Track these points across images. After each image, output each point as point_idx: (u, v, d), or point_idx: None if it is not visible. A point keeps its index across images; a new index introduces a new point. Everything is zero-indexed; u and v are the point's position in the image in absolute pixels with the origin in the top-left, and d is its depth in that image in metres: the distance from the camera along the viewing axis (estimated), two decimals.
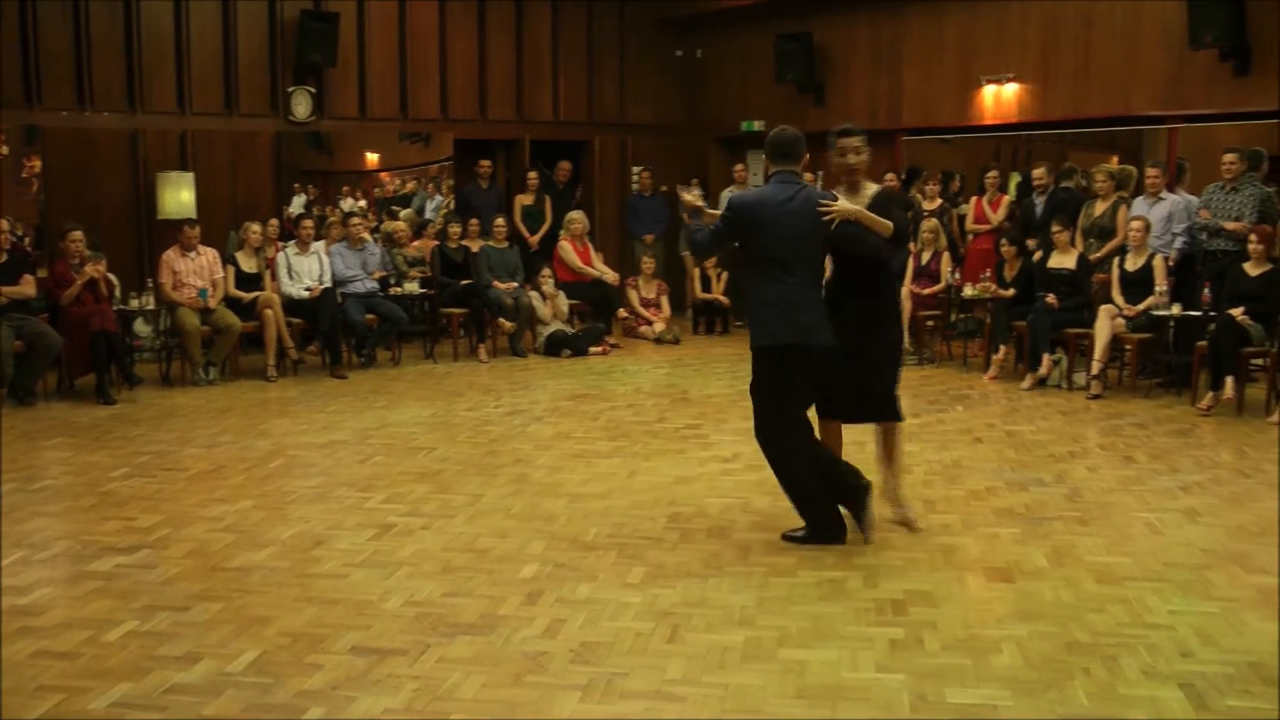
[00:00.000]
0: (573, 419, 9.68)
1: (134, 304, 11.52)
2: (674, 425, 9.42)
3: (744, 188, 15.41)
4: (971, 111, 14.20)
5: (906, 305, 12.27)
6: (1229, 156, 11.04)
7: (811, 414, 6.55)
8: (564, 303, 13.61)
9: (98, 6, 13.12)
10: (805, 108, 15.69)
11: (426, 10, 15.22)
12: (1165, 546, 6.41)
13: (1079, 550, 6.29)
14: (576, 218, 14.41)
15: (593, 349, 13.21)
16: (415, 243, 14.07)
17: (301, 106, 14.29)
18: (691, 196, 6.69)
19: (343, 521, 6.77)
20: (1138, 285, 10.94)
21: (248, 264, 11.92)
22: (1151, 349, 11.15)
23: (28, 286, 10.56)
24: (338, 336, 11.97)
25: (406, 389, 11.07)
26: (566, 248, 14.15)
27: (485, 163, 15.31)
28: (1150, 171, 11.72)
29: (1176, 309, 10.69)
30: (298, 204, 14.56)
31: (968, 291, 12.17)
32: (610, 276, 14.31)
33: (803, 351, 6.26)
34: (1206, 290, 10.55)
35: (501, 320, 13.12)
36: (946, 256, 12.71)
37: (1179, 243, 11.43)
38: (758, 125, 16.33)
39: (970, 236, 13.40)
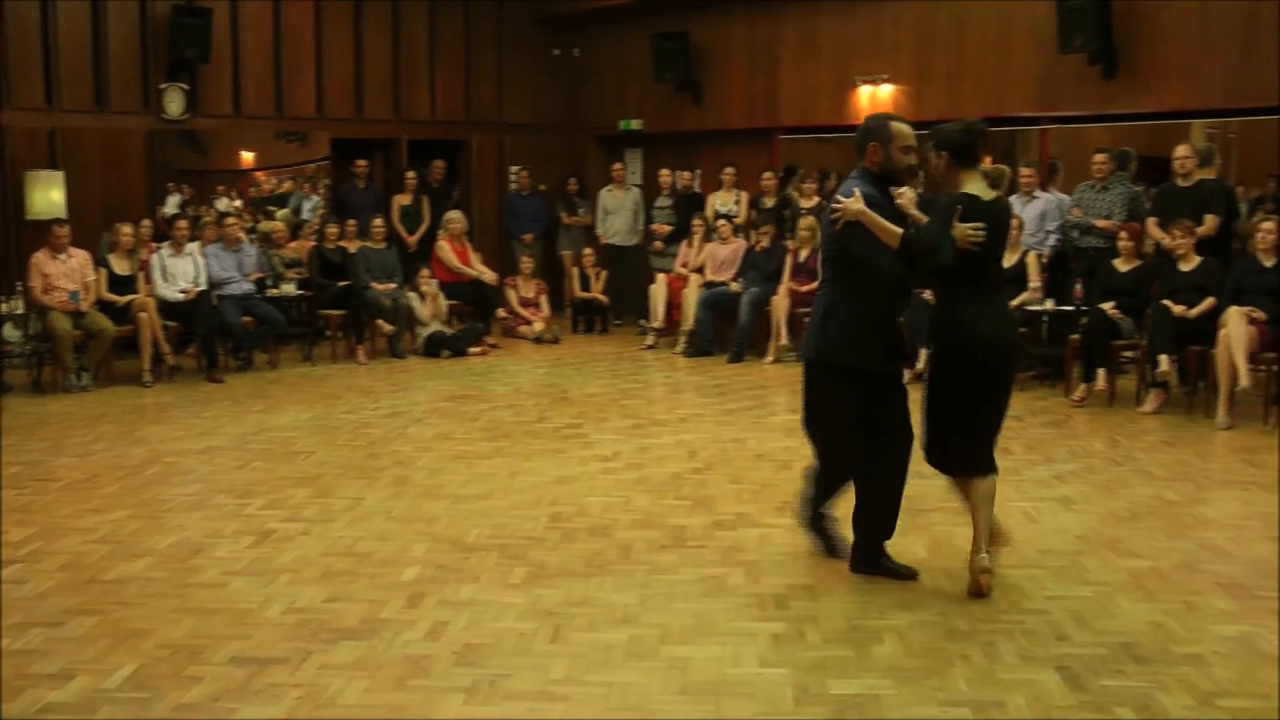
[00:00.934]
0: (453, 420, 9.62)
1: (3, 308, 11.24)
2: (554, 425, 9.40)
3: (623, 187, 15.46)
4: (848, 111, 14.32)
5: (784, 303, 12.39)
6: (1099, 157, 11.30)
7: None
8: (443, 303, 13.53)
9: None
10: (683, 107, 15.79)
11: (301, 7, 15.00)
12: (1041, 534, 6.55)
13: (958, 540, 6.36)
14: (455, 217, 14.31)
15: (472, 349, 13.14)
16: (292, 244, 13.88)
17: (174, 104, 13.99)
18: (848, 204, 5.58)
19: (221, 529, 6.65)
20: (1012, 282, 11.11)
21: (120, 266, 11.66)
22: (1026, 343, 11.33)
23: None
24: (214, 340, 11.76)
25: (285, 392, 10.92)
26: (445, 248, 14.06)
27: (362, 162, 15.14)
28: (1024, 171, 11.96)
29: (1050, 304, 10.92)
30: (172, 204, 14.33)
31: None
32: (489, 276, 14.24)
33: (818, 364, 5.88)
34: (1078, 286, 10.77)
35: (380, 321, 12.99)
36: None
37: (1052, 240, 11.67)
38: (635, 124, 16.38)
39: None
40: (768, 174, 14.11)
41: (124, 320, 11.34)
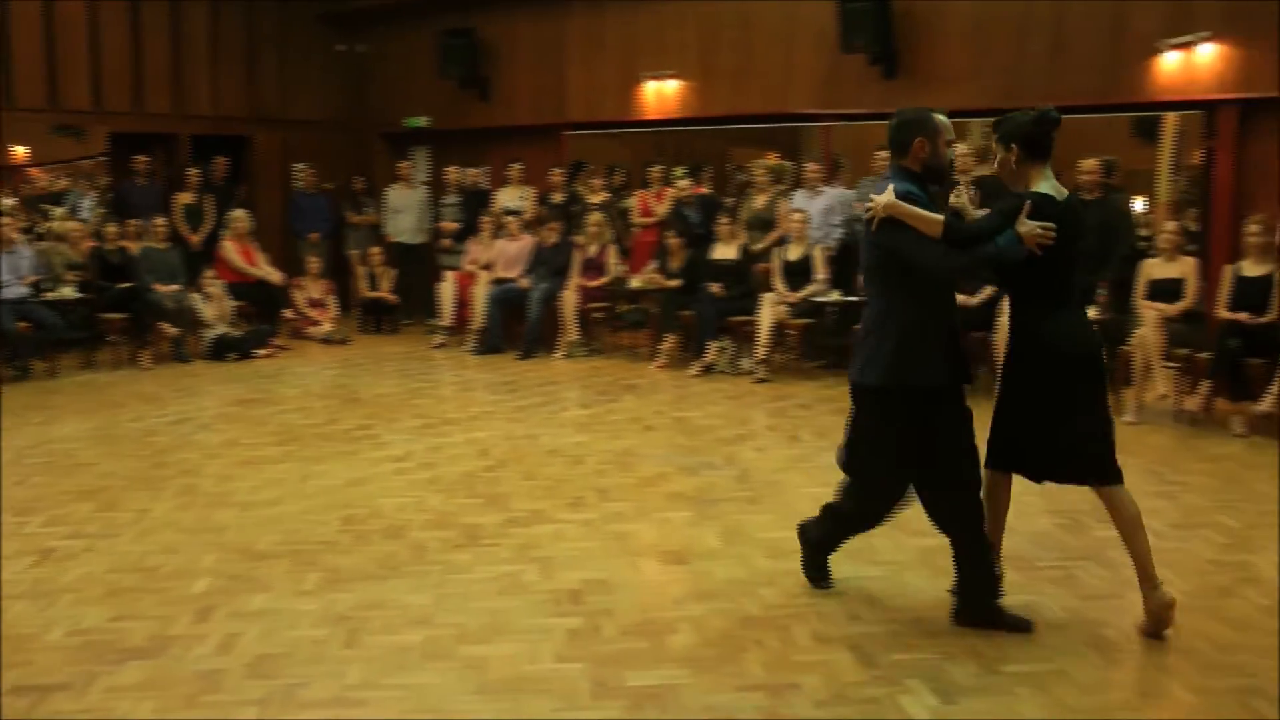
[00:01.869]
0: (241, 425, 9.42)
1: None
2: (345, 427, 9.27)
3: (410, 185, 15.32)
4: (634, 107, 14.44)
5: (573, 299, 12.43)
6: (882, 153, 11.58)
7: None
8: (228, 305, 13.23)
9: None
10: (469, 103, 15.72)
11: None
12: None
13: (750, 528, 6.50)
14: (239, 216, 13.99)
15: (259, 352, 12.87)
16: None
17: None
18: (881, 201, 4.99)
19: None
20: (799, 274, 11.38)
21: None
22: (813, 333, 11.63)
23: None
24: None
25: (65, 402, 10.52)
26: (229, 248, 13.74)
27: (142, 158, 14.67)
28: (809, 166, 12.24)
29: (836, 295, 11.17)
30: None
31: (635, 283, 12.40)
32: (275, 277, 13.97)
33: (854, 392, 5.47)
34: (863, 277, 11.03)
35: (163, 325, 12.63)
36: (613, 249, 12.92)
37: (838, 233, 11.96)
38: (422, 121, 16.25)
39: (636, 229, 13.62)
40: (555, 170, 14.14)
41: None
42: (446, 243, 14.83)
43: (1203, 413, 9.31)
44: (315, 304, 14.43)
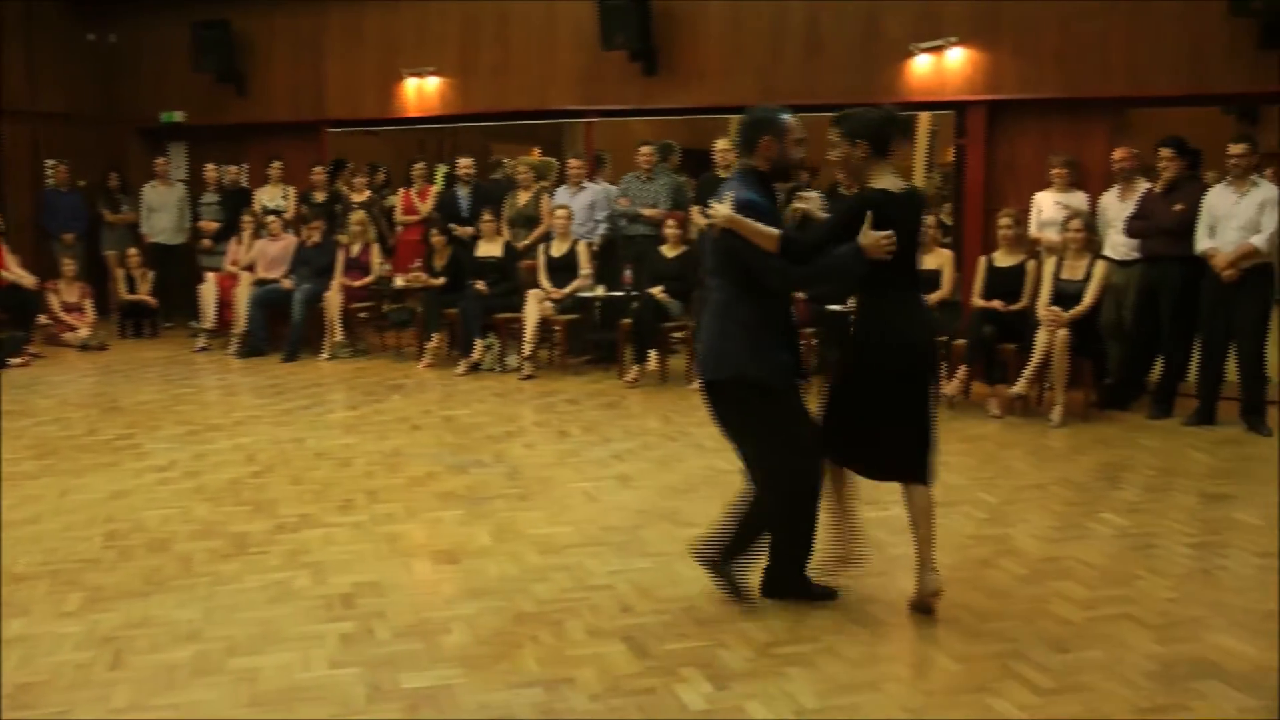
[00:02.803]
0: None
1: None
2: (105, 437, 8.95)
3: (166, 182, 14.90)
4: (395, 104, 14.30)
5: (337, 299, 12.27)
6: (644, 149, 11.78)
7: None
8: None
9: None
10: (226, 98, 15.34)
11: None
12: (602, 512, 6.75)
13: (521, 525, 6.50)
14: None
15: (13, 360, 12.31)
16: None
17: None
18: (720, 210, 5.07)
19: None
20: (564, 269, 11.43)
21: None
22: (579, 328, 11.70)
23: None
24: None
25: None
26: None
27: None
28: (572, 163, 12.31)
29: (601, 290, 11.27)
30: None
31: (399, 282, 12.28)
32: (28, 280, 13.38)
33: (708, 389, 5.34)
34: (628, 272, 11.17)
35: None
36: (376, 248, 12.78)
37: (601, 229, 12.05)
38: (178, 116, 15.78)
39: (399, 228, 13.50)
40: (317, 168, 13.91)
41: None
42: (207, 243, 14.46)
43: (960, 396, 9.66)
44: (71, 308, 13.88)
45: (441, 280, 11.88)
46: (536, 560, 5.93)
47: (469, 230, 12.25)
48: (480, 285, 11.47)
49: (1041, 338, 9.14)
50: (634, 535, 6.31)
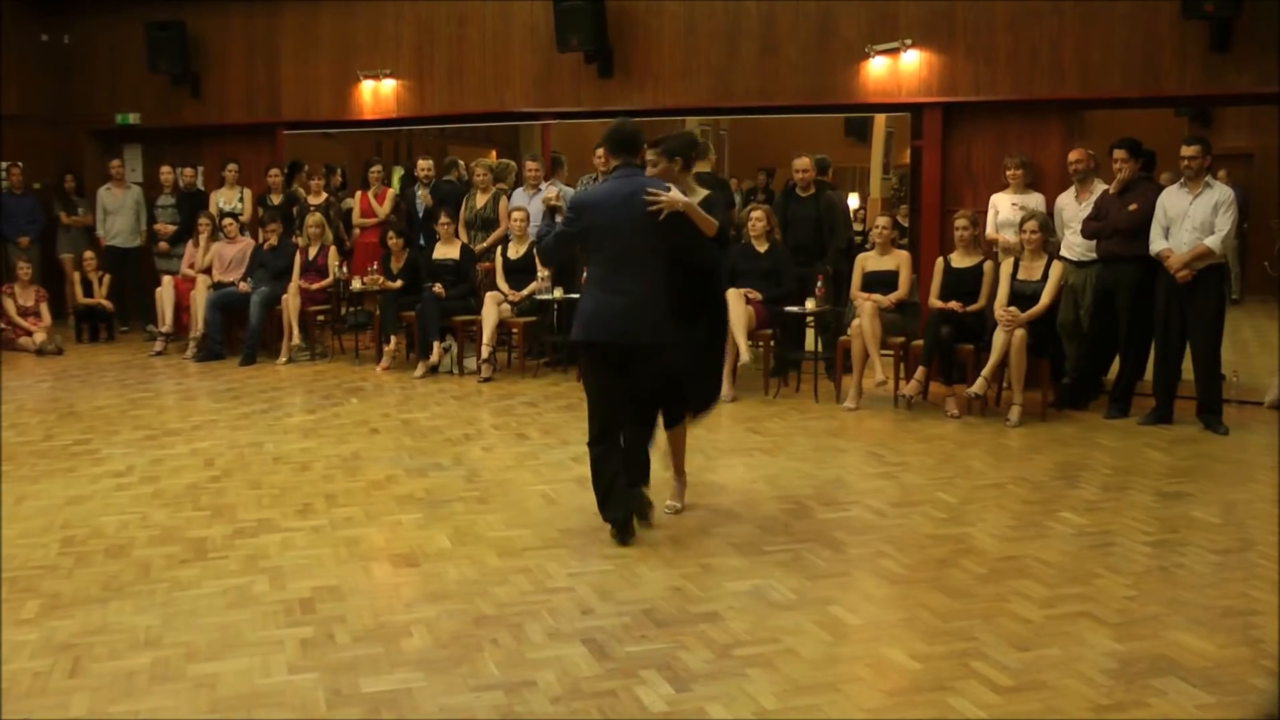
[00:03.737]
0: None
1: None
2: (62, 442, 8.87)
3: (122, 185, 14.79)
4: (351, 106, 14.26)
5: (295, 301, 12.20)
6: (601, 151, 11.70)
7: None
8: None
9: None
10: (181, 99, 15.26)
11: None
12: (561, 515, 6.74)
13: (480, 528, 6.48)
14: None
15: None
16: None
17: None
18: (551, 196, 6.26)
19: None
20: (522, 272, 11.41)
21: None
22: (537, 331, 11.69)
23: None
24: None
25: None
26: None
27: None
28: (529, 165, 12.26)
29: (559, 292, 11.21)
30: None
31: (356, 285, 12.21)
32: None
33: (613, 349, 6.20)
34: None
35: None
36: (333, 250, 12.71)
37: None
38: (133, 118, 15.66)
39: (357, 230, 13.44)
40: (273, 170, 13.83)
41: None
42: (163, 246, 14.35)
43: (918, 397, 9.69)
44: (27, 313, 13.75)
45: (399, 283, 11.83)
46: (496, 563, 5.91)
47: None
48: (438, 288, 11.44)
49: (999, 338, 9.18)
50: (593, 538, 6.30)
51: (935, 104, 11.29)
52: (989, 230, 10.40)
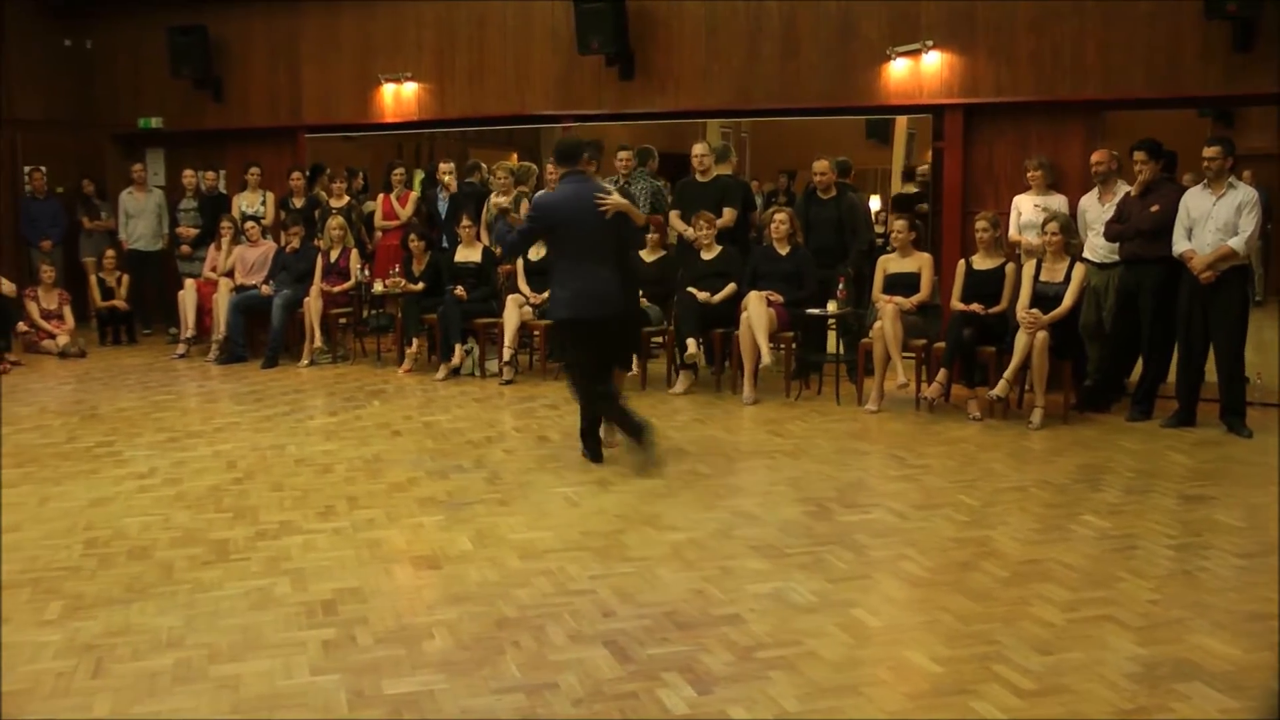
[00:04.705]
0: None
1: None
2: (85, 444, 8.91)
3: (144, 188, 14.84)
4: (373, 109, 14.29)
5: (317, 304, 12.23)
6: (623, 154, 11.78)
7: None
8: None
9: None
10: (203, 103, 15.30)
11: None
12: (582, 517, 6.74)
13: (502, 530, 6.49)
14: None
15: None
16: None
17: None
18: (501, 200, 7.28)
19: None
20: (543, 274, 11.37)
21: None
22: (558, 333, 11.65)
23: None
24: None
25: None
26: None
27: None
28: (550, 168, 12.21)
29: None
30: None
31: (378, 287, 12.23)
32: (7, 288, 13.28)
33: (598, 322, 7.76)
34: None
35: None
36: (355, 253, 12.73)
37: None
38: (155, 122, 15.72)
39: (379, 233, 13.47)
40: (295, 174, 13.87)
41: None
42: (185, 249, 14.40)
43: (940, 399, 9.67)
44: (50, 315, 13.81)
45: (421, 285, 11.85)
46: (517, 565, 5.91)
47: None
48: (460, 290, 11.45)
49: (1021, 340, 9.15)
50: (615, 540, 6.30)
51: (956, 105, 11.26)
52: (1011, 232, 10.36)
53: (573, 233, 7.73)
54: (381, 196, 13.53)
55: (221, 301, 12.89)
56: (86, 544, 6.43)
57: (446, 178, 12.89)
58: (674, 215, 11.35)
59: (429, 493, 7.32)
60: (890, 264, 10.08)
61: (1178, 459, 8.19)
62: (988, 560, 5.95)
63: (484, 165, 13.92)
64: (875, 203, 13.88)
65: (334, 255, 12.68)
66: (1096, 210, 9.89)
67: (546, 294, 11.20)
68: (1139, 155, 9.40)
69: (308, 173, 14.20)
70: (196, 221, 14.40)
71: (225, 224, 13.61)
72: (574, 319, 7.80)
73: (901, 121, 13.23)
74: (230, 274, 13.26)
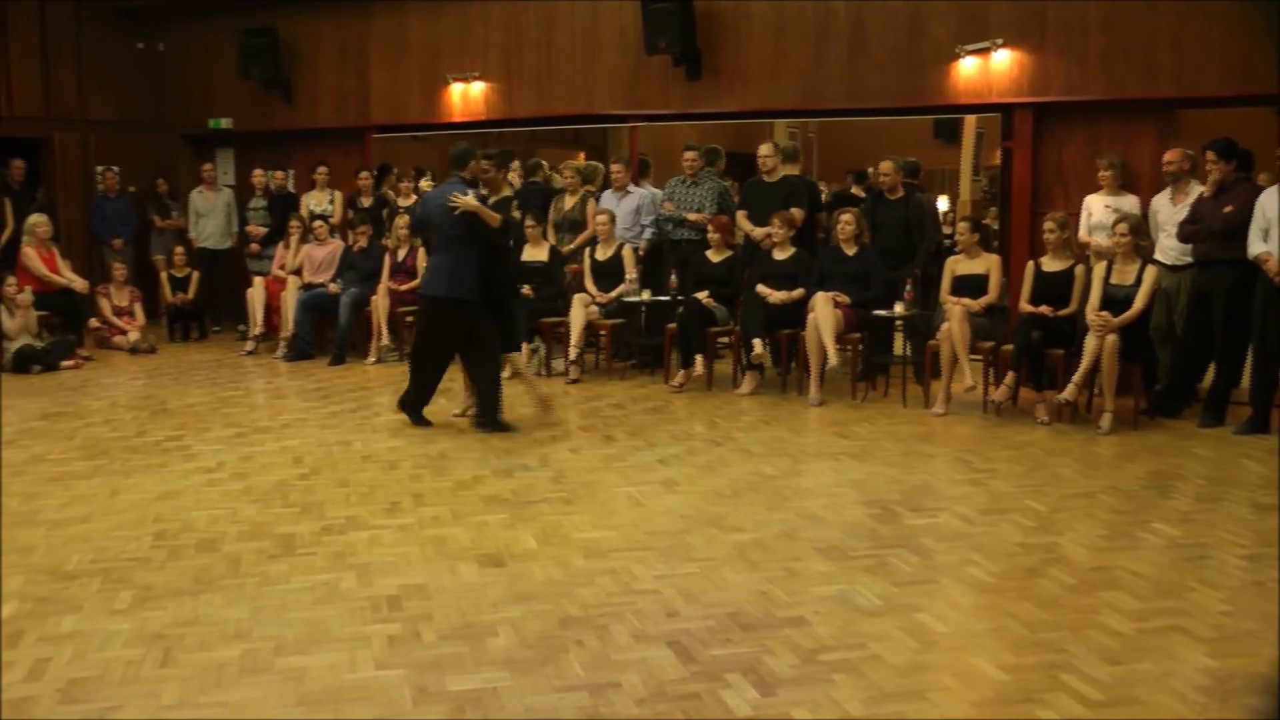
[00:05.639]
0: (47, 440, 9.06)
1: None
2: (155, 438, 9.01)
3: (213, 188, 15.00)
4: (440, 109, 14.35)
5: (384, 303, 12.31)
6: (689, 154, 11.73)
7: None
8: (32, 315, 12.69)
9: None
10: (273, 104, 15.45)
11: None
12: (647, 517, 6.74)
13: (566, 529, 6.49)
14: (39, 221, 13.42)
15: (64, 363, 12.40)
16: None
17: None
18: (465, 200, 8.73)
19: None
20: (609, 274, 11.43)
21: None
22: (625, 333, 11.69)
23: None
24: None
25: None
26: (31, 255, 13.21)
27: None
28: (615, 167, 12.26)
29: (646, 294, 11.24)
30: None
31: None
32: (79, 285, 13.47)
33: (443, 301, 8.89)
34: (674, 276, 11.14)
35: None
36: (422, 252, 12.76)
37: (647, 233, 12.01)
38: (225, 123, 15.89)
39: None
40: (363, 173, 13.96)
41: None
42: (254, 248, 14.55)
43: (1008, 402, 9.60)
44: (121, 312, 13.99)
45: None
46: (582, 564, 5.92)
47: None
48: (526, 290, 11.47)
49: (1090, 343, 9.05)
50: (679, 540, 6.29)
51: (1026, 104, 11.17)
52: (1081, 233, 10.25)
53: (434, 227, 9.10)
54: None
55: (289, 299, 13.00)
56: (156, 536, 6.50)
57: (512, 175, 12.92)
58: (741, 215, 11.33)
59: (494, 491, 7.35)
60: (958, 265, 10.01)
61: (1251, 466, 8.07)
62: (1055, 567, 5.88)
63: (545, 163, 13.96)
64: (943, 203, 13.80)
65: (401, 254, 12.75)
66: (1169, 211, 9.76)
67: (613, 293, 11.29)
68: (1209, 155, 9.27)
69: (375, 172, 14.29)
70: (265, 220, 14.54)
71: (294, 223, 13.72)
72: (423, 295, 9.27)
73: (970, 121, 13.14)
74: (298, 272, 13.37)
